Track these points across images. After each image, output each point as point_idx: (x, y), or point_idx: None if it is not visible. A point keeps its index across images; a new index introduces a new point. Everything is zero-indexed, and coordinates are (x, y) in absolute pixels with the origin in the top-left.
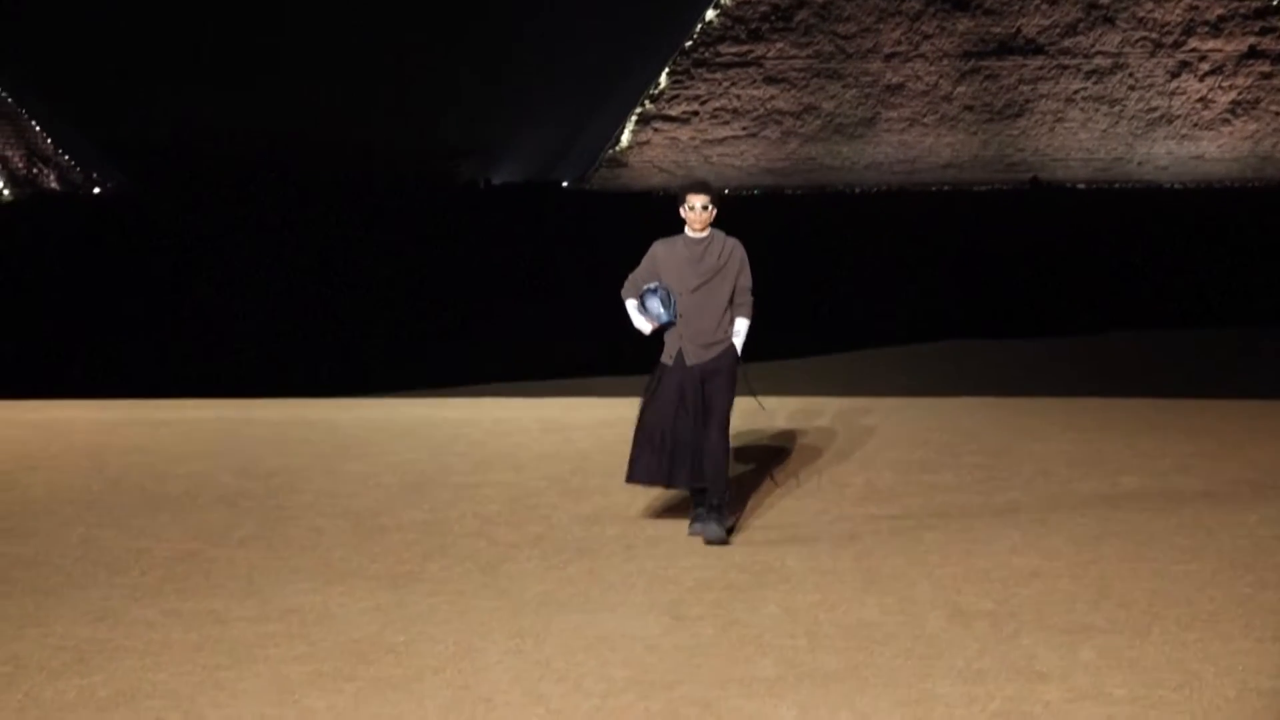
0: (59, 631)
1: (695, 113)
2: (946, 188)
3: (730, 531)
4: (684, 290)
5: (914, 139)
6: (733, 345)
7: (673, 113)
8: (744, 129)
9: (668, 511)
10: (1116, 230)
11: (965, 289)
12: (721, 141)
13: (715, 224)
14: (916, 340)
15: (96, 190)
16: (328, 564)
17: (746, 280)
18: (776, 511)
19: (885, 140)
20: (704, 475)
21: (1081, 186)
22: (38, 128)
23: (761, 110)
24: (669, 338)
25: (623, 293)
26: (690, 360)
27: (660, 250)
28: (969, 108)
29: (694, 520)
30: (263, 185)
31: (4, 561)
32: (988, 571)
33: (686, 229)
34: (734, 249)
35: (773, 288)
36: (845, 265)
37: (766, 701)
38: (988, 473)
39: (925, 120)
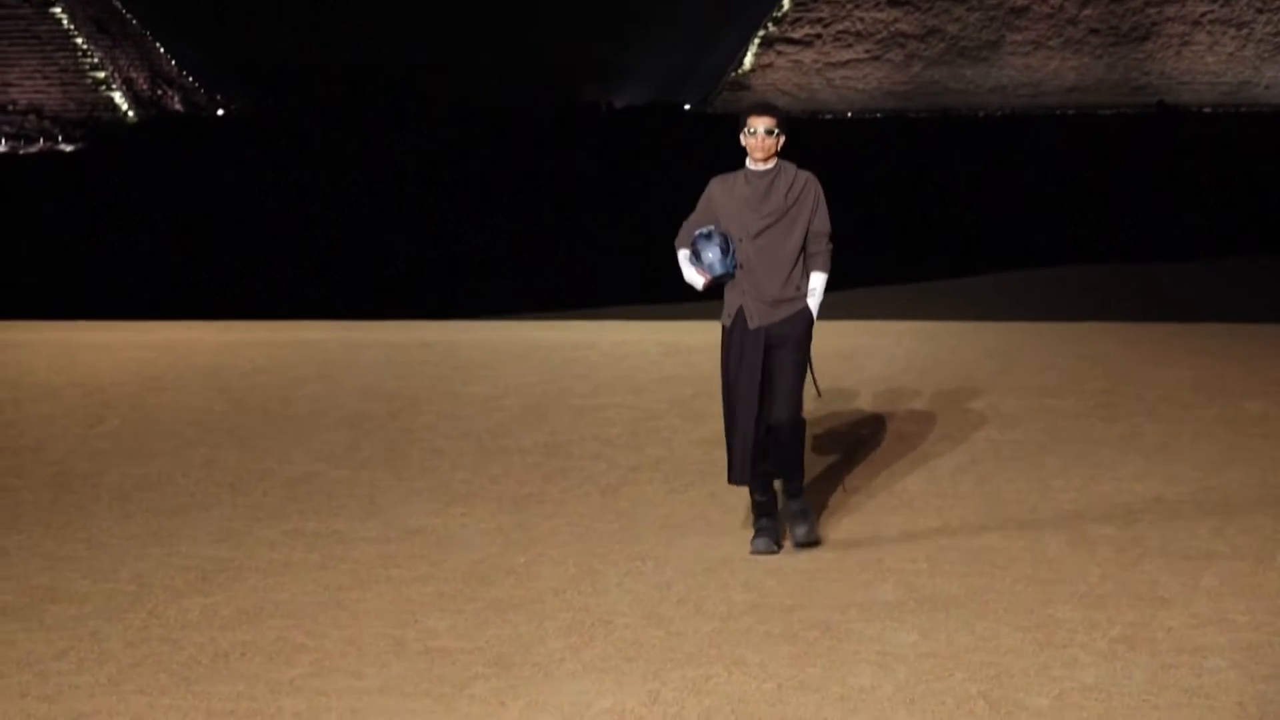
0: (182, 551)
1: (818, 35)
2: (1071, 112)
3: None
4: (745, 235)
5: (1039, 62)
6: (806, 307)
7: (795, 35)
8: (867, 52)
9: None
10: (1243, 154)
11: (1090, 213)
12: (844, 65)
13: (787, 156)
14: (1040, 265)
15: (220, 112)
16: (449, 486)
17: (823, 223)
18: (897, 436)
19: (1009, 63)
20: (768, 460)
21: (1208, 110)
22: (162, 49)
23: (885, 33)
24: (729, 293)
25: (676, 242)
26: (754, 321)
27: (717, 189)
28: (1094, 30)
29: (758, 533)
30: (381, 108)
31: (128, 482)
32: (1110, 496)
33: (748, 160)
34: (806, 184)
35: (897, 211)
36: (969, 189)
37: (887, 625)
38: (1111, 398)
39: (1050, 43)
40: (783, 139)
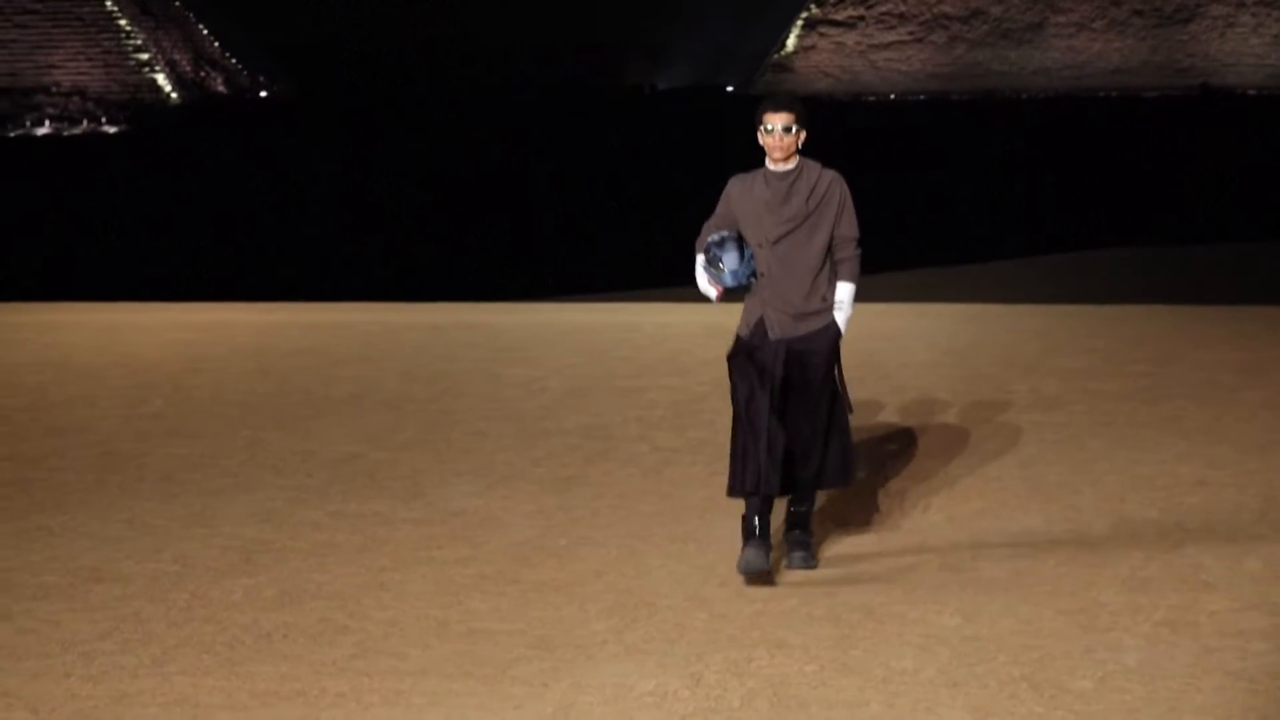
0: (225, 532)
1: (861, 17)
2: (1114, 94)
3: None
4: (764, 242)
5: (1082, 44)
6: (833, 322)
7: (839, 17)
8: (910, 34)
9: None
10: None
11: (1133, 195)
12: (887, 46)
13: (810, 154)
14: (1083, 247)
15: (263, 93)
16: (491, 467)
17: (850, 227)
18: (938, 418)
19: (1053, 45)
20: (786, 479)
21: (1252, 92)
22: (205, 31)
23: (928, 15)
24: (749, 302)
25: (696, 245)
26: (774, 332)
27: (735, 190)
28: (1138, 12)
29: (745, 548)
30: (427, 90)
31: (171, 463)
32: (1153, 480)
33: (767, 160)
34: (831, 185)
35: (938, 194)
36: (1011, 172)
37: (929, 607)
38: (1154, 380)
39: (1094, 25)
40: (803, 135)
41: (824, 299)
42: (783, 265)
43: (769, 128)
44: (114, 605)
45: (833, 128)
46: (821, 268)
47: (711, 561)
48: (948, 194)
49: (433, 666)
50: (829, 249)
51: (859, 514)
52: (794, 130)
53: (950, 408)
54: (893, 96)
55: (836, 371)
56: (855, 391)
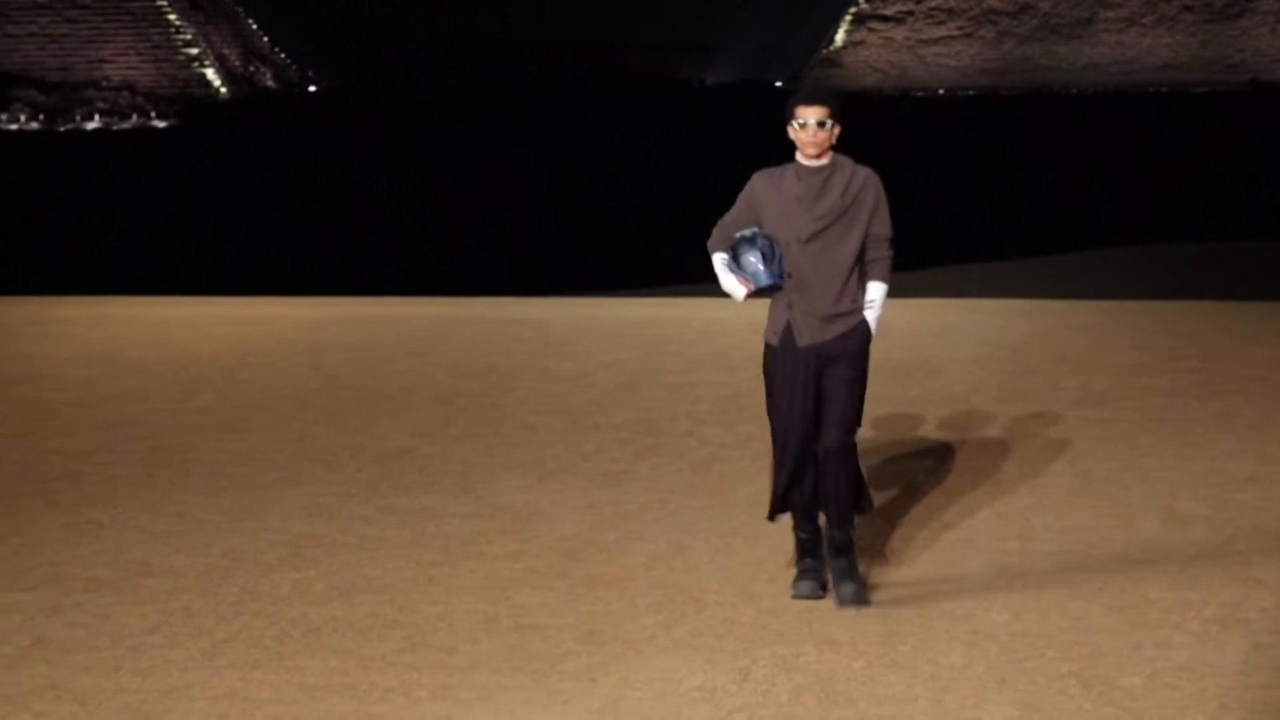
0: (275, 526)
1: (910, 12)
2: (1164, 89)
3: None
4: (793, 240)
5: (1132, 39)
6: (864, 321)
7: (887, 12)
8: (959, 29)
9: (878, 422)
10: None
11: (1183, 190)
12: (936, 41)
13: (844, 149)
14: (1132, 242)
15: (312, 88)
16: (541, 462)
17: (883, 226)
18: (988, 414)
19: (1102, 40)
20: (818, 500)
21: None
22: (254, 25)
23: (977, 9)
24: (774, 307)
25: (709, 245)
26: (803, 339)
27: (762, 185)
28: (1188, 7)
29: (802, 575)
30: (475, 85)
31: (222, 457)
32: (1204, 476)
33: (798, 155)
34: (865, 182)
35: (988, 189)
36: (1061, 166)
37: (978, 604)
38: (1205, 376)
39: (1143, 20)
40: (838, 130)
41: (854, 300)
42: (813, 265)
43: (802, 122)
44: (163, 599)
45: (882, 122)
46: (853, 269)
47: (760, 557)
48: (996, 189)
49: (481, 661)
50: (861, 249)
51: (907, 510)
52: (828, 125)
53: (1000, 403)
54: (941, 92)
55: (863, 375)
56: (905, 387)
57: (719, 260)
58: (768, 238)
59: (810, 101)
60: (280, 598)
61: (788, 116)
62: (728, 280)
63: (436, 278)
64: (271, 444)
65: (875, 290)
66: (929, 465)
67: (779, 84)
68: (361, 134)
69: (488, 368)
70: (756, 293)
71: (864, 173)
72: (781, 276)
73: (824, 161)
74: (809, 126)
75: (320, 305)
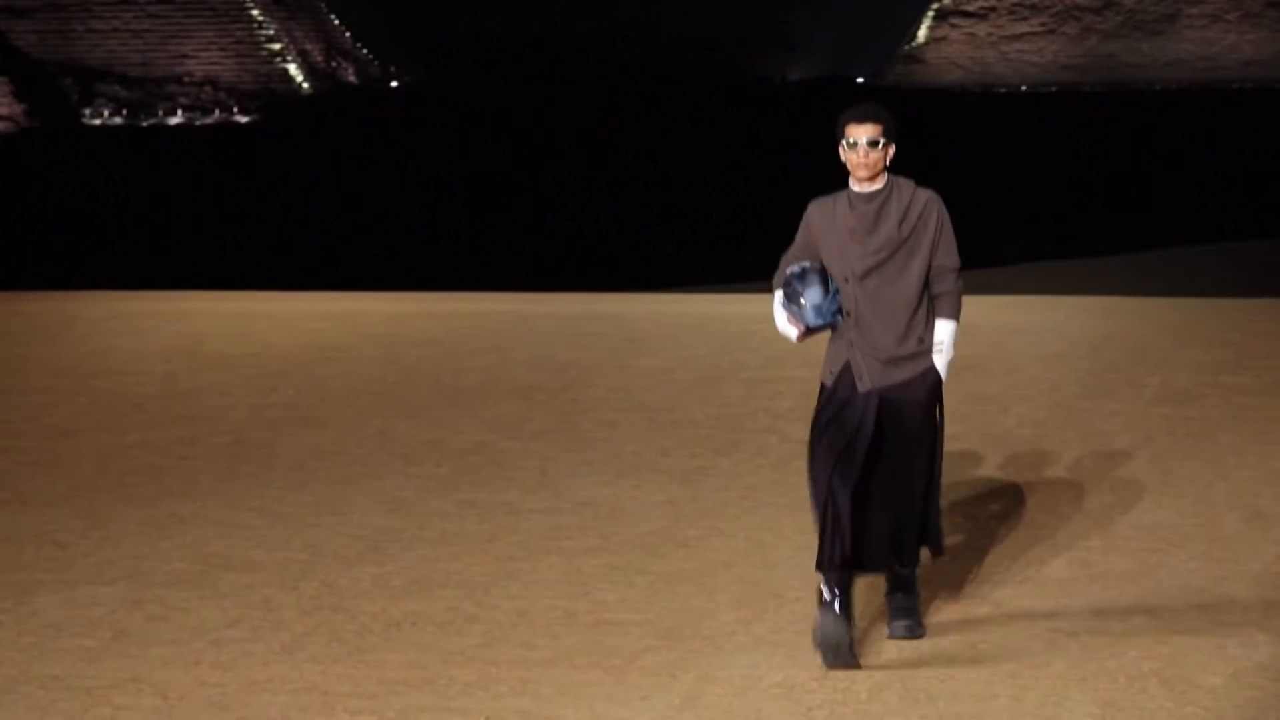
0: (355, 520)
1: (993, 8)
2: (1248, 85)
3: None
4: (849, 276)
5: (1216, 35)
6: (933, 368)
7: (970, 8)
8: (1042, 25)
9: (961, 418)
10: None
11: (1267, 187)
12: (1019, 38)
13: (897, 170)
14: (1215, 239)
15: (394, 83)
16: (620, 457)
17: (949, 255)
18: (1070, 411)
19: (1186, 37)
20: (884, 559)
21: None
22: (336, 21)
23: (1060, 6)
24: (834, 344)
25: (774, 281)
26: (864, 382)
27: (815, 216)
28: (1272, 3)
29: (825, 612)
30: (557, 82)
31: (302, 451)
32: None
33: (850, 180)
34: (927, 206)
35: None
36: (1144, 163)
37: (1059, 601)
38: None
39: (1228, 16)
40: (892, 150)
41: (920, 340)
42: (872, 303)
43: (851, 141)
44: (244, 593)
45: (961, 119)
46: (918, 304)
47: None
48: (1078, 185)
49: (560, 656)
50: (925, 282)
51: (987, 506)
52: (881, 144)
53: (1081, 400)
54: (1024, 88)
55: (938, 419)
56: (986, 384)
57: (776, 297)
58: (819, 272)
59: (861, 119)
60: (360, 592)
61: (837, 135)
62: (780, 319)
63: (514, 273)
64: (351, 438)
65: (944, 330)
66: (1009, 461)
67: (860, 80)
68: (441, 129)
69: (567, 363)
70: (808, 332)
71: (924, 196)
72: (836, 314)
73: (877, 186)
74: (859, 146)
75: (399, 300)
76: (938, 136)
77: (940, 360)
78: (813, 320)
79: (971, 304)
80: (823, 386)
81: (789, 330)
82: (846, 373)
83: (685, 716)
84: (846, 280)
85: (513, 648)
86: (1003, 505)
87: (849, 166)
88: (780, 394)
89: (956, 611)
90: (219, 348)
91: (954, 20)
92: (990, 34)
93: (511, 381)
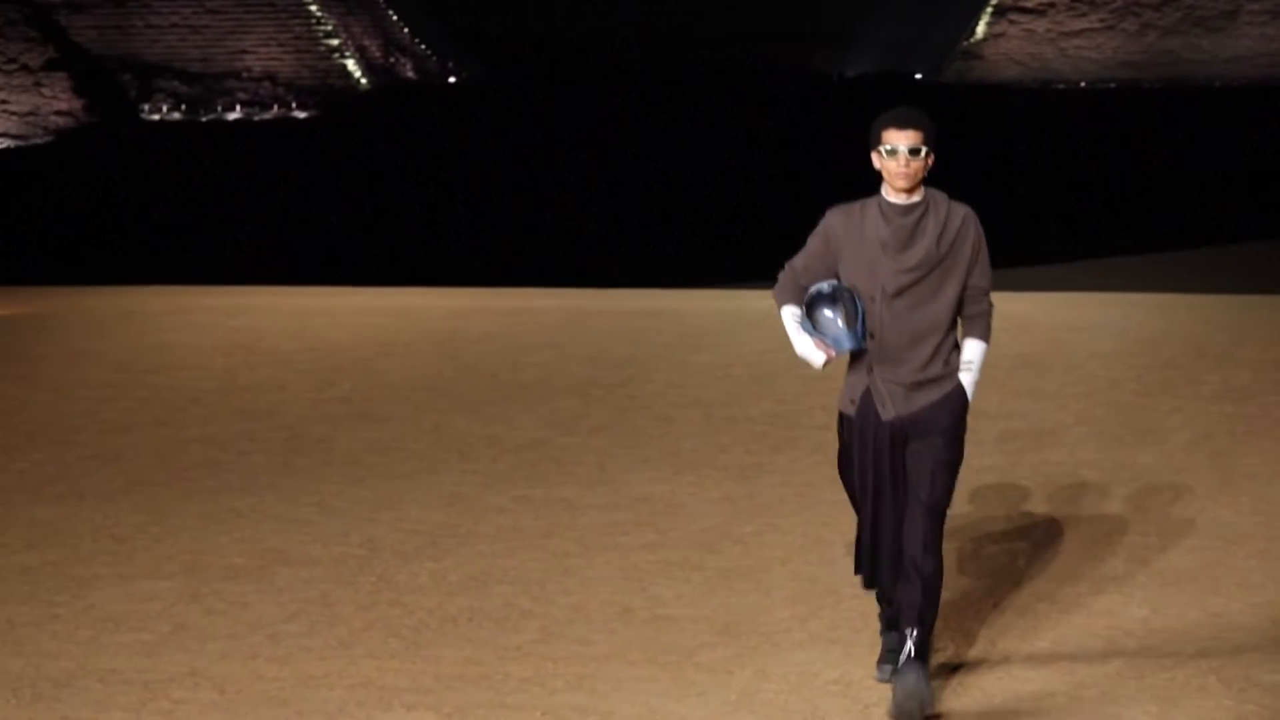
0: (412, 516)
1: (1052, 4)
2: None
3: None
4: (877, 294)
5: (1276, 32)
6: (959, 387)
7: (1029, 4)
8: (1101, 21)
9: (1018, 414)
10: None
11: None
12: (1078, 34)
13: (934, 182)
14: (1275, 236)
15: (452, 79)
16: (677, 454)
17: (983, 276)
18: (1127, 409)
19: (1247, 33)
20: (897, 592)
21: None
22: (394, 16)
23: (1119, 2)
24: (852, 370)
25: (775, 294)
26: (887, 410)
27: (838, 225)
28: None
29: (881, 659)
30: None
31: (359, 446)
32: None
33: (884, 189)
34: (964, 224)
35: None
36: (1203, 160)
37: (1116, 599)
38: None
39: None
40: (931, 160)
41: (946, 362)
42: (899, 324)
43: (890, 148)
44: (301, 588)
45: (1018, 115)
46: (949, 328)
47: None
48: (1136, 182)
49: (617, 652)
50: (958, 304)
51: (1044, 504)
52: (923, 153)
53: (1139, 397)
54: (1082, 84)
55: (958, 455)
56: (1044, 381)
57: (790, 316)
58: (850, 292)
59: (901, 124)
60: (417, 587)
61: (873, 141)
62: (802, 343)
63: (572, 269)
64: (408, 434)
65: (973, 350)
66: (1067, 458)
67: (919, 76)
68: (500, 125)
69: (624, 359)
70: (836, 358)
71: (962, 212)
72: (862, 339)
73: (916, 198)
74: (899, 154)
75: (457, 296)
76: (997, 133)
77: (968, 379)
78: (847, 346)
79: (1029, 301)
80: (842, 418)
81: (813, 356)
82: (868, 401)
83: (741, 713)
84: (874, 299)
85: (569, 643)
86: (1059, 502)
87: (885, 175)
88: (836, 390)
89: (1014, 608)
90: (277, 343)
91: (1012, 16)
92: (1049, 30)
93: (568, 377)
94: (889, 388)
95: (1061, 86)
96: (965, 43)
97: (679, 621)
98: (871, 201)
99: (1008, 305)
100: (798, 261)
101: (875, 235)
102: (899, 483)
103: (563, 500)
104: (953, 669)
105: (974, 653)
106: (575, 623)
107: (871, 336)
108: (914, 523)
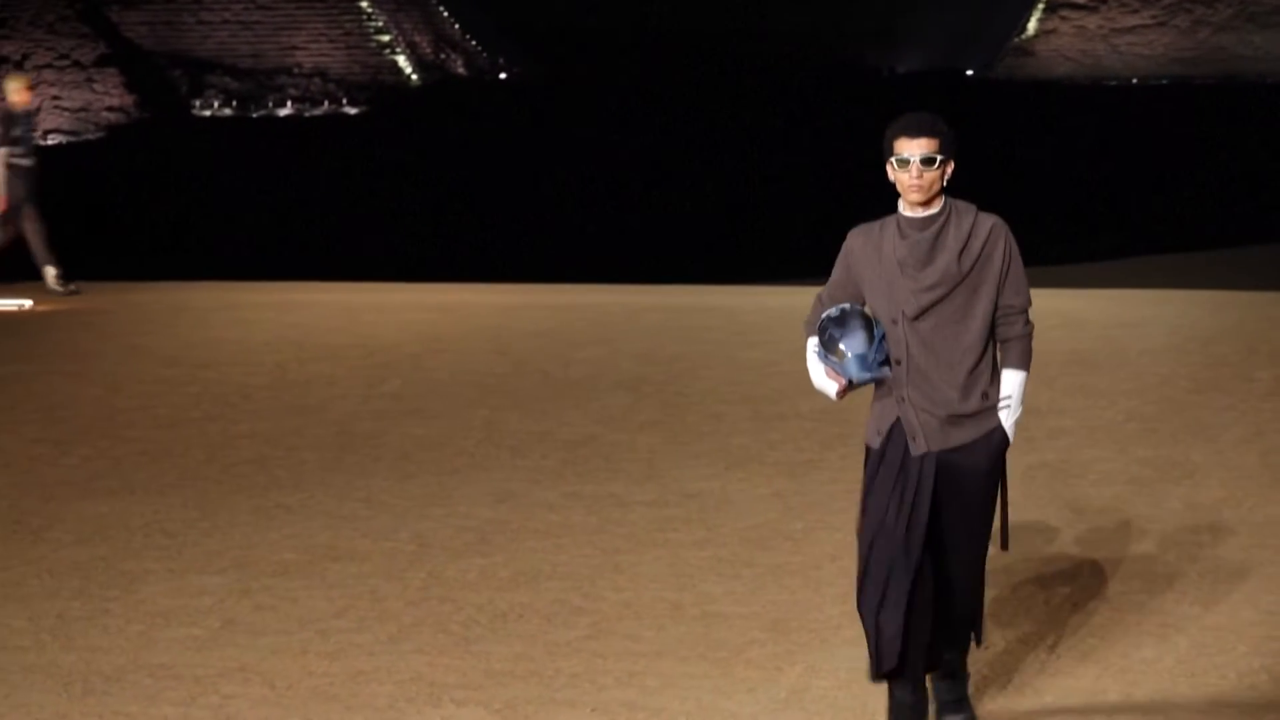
0: (462, 512)
1: (1103, 0)
2: None
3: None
4: (898, 317)
5: None
6: (999, 428)
7: (1080, 0)
8: (1153, 17)
9: (1069, 411)
10: None
11: None
12: (1130, 30)
13: (956, 191)
14: None
15: (503, 75)
16: (727, 450)
17: (1016, 293)
18: (1179, 406)
19: None
20: (937, 658)
21: None
22: (445, 12)
23: None
24: (880, 399)
25: (805, 325)
26: (920, 444)
27: (858, 246)
28: None
29: (941, 711)
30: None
31: (409, 442)
32: None
33: (900, 204)
34: (992, 234)
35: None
36: (1256, 156)
37: (1167, 597)
38: None
39: None
40: (950, 169)
41: (985, 395)
42: (927, 349)
43: (902, 158)
44: (351, 583)
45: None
46: (982, 351)
47: None
48: (1189, 178)
49: (667, 649)
50: (991, 325)
51: (1096, 501)
52: (938, 162)
53: (1191, 395)
54: (1134, 81)
55: (999, 495)
56: (1095, 377)
57: (810, 346)
58: (863, 315)
59: (913, 132)
60: (467, 583)
61: (885, 152)
62: (816, 373)
63: (621, 265)
64: (458, 430)
65: (1011, 383)
66: (1118, 455)
67: (969, 72)
68: (551, 120)
69: (674, 356)
70: (850, 387)
71: (989, 223)
72: (883, 365)
73: (933, 210)
74: (911, 164)
75: (507, 292)
76: (1049, 130)
77: (1008, 419)
78: (856, 374)
79: (1081, 298)
80: (869, 451)
81: (827, 386)
82: (898, 434)
83: (791, 710)
84: (895, 322)
85: (619, 640)
86: (1111, 499)
87: (899, 188)
88: None
89: (1067, 606)
90: (327, 339)
91: (1064, 13)
92: (1100, 26)
93: (619, 374)
94: (922, 419)
95: (1113, 83)
96: (1016, 39)
97: (729, 618)
98: (890, 219)
99: (1059, 302)
100: (825, 292)
101: (892, 253)
102: (932, 527)
103: (612, 496)
104: (1004, 668)
105: (1026, 649)
106: (625, 619)
107: (898, 363)
108: (951, 566)
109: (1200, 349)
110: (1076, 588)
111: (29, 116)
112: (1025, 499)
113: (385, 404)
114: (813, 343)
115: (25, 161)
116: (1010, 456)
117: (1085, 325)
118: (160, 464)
